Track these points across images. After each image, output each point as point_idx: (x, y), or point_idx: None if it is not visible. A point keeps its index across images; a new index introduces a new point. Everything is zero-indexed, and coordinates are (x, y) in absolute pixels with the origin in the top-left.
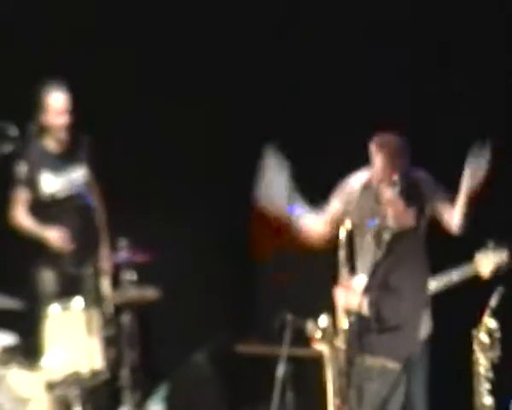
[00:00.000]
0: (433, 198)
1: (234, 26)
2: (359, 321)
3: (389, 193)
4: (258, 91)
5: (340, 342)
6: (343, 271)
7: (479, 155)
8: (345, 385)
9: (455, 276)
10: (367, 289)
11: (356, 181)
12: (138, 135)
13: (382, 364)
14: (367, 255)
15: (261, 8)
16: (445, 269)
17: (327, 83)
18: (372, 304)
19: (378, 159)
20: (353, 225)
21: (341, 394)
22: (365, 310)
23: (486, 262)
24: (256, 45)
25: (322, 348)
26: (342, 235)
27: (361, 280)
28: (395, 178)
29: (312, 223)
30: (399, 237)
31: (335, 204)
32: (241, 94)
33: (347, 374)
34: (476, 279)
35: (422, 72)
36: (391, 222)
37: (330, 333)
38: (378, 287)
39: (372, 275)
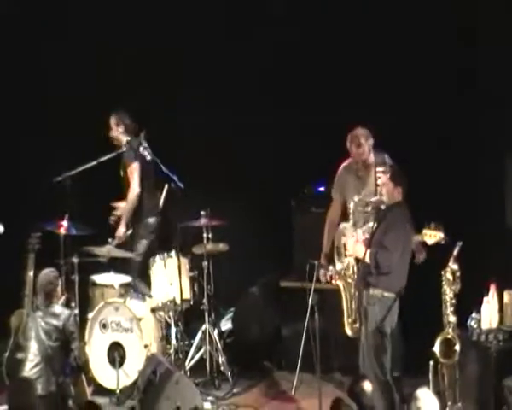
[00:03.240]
0: None
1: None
2: (364, 266)
3: (383, 177)
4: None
5: (351, 279)
6: (350, 231)
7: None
8: (355, 308)
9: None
10: (369, 245)
11: (341, 168)
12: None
13: (381, 293)
14: (358, 219)
15: None
16: None
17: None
18: (372, 256)
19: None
20: (347, 198)
21: (353, 314)
22: (367, 259)
23: (429, 236)
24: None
25: (338, 283)
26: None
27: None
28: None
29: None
30: (390, 208)
31: (335, 195)
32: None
33: (357, 300)
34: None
35: None
36: (385, 198)
37: (344, 273)
38: (376, 244)
39: (372, 235)
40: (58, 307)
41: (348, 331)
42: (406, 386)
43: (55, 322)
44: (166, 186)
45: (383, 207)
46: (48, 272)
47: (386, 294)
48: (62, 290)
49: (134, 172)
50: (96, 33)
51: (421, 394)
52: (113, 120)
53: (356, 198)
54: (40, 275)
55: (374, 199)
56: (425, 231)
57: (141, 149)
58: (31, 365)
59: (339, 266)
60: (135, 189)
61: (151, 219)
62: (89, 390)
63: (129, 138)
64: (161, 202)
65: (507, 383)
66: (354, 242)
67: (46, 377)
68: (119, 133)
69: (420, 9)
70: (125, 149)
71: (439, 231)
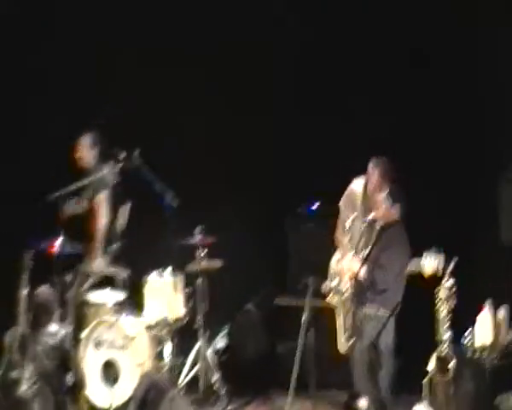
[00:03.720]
0: None
1: None
2: (359, 283)
3: (380, 196)
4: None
5: (346, 296)
6: (348, 249)
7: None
8: (350, 325)
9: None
10: (364, 263)
11: (355, 186)
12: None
13: (376, 310)
14: (356, 237)
15: None
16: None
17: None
18: (368, 274)
19: (373, 175)
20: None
21: (347, 330)
22: (362, 276)
23: (429, 264)
24: None
25: (333, 300)
26: (347, 225)
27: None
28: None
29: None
30: (387, 226)
31: (343, 210)
32: None
33: (352, 317)
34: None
35: None
36: (381, 216)
37: (339, 290)
38: (372, 261)
39: (368, 254)
40: (54, 326)
41: (343, 348)
42: (400, 404)
43: (51, 341)
44: (128, 205)
45: (380, 224)
46: (44, 290)
47: (381, 311)
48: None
49: (103, 202)
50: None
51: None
52: (86, 141)
53: (353, 216)
54: (36, 293)
55: (370, 216)
56: (423, 262)
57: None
58: (28, 384)
59: (334, 282)
60: (102, 219)
61: (114, 246)
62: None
63: (101, 164)
64: (121, 224)
65: (501, 400)
66: (350, 258)
67: (43, 397)
68: (90, 156)
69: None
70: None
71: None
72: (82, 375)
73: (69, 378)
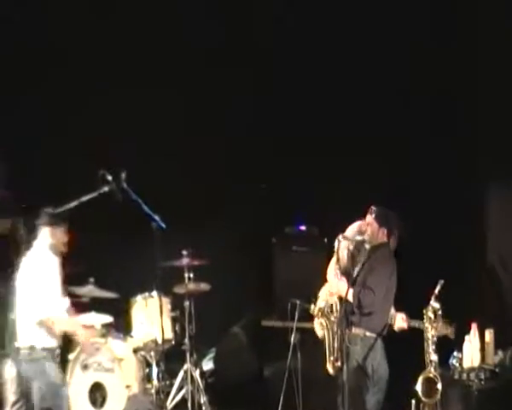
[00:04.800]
0: None
1: None
2: (346, 304)
3: (368, 217)
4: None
5: (333, 317)
6: (336, 270)
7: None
8: (337, 347)
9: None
10: (352, 284)
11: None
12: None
13: (363, 333)
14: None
15: None
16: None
17: None
18: (355, 296)
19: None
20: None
21: (334, 352)
22: (350, 297)
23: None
24: None
25: (321, 320)
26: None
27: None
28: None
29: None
30: (375, 249)
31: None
32: None
33: (339, 339)
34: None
35: None
36: (368, 238)
37: (326, 312)
38: (359, 284)
39: (356, 276)
40: None
41: (330, 370)
42: None
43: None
44: None
45: (367, 246)
46: None
47: (368, 333)
48: None
49: None
50: None
51: None
52: None
53: (340, 237)
54: None
55: (358, 238)
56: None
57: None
58: (14, 408)
59: (321, 303)
60: None
61: None
62: None
63: None
64: None
65: None
66: (338, 279)
67: None
68: None
69: None
70: None
71: (449, 326)
72: None
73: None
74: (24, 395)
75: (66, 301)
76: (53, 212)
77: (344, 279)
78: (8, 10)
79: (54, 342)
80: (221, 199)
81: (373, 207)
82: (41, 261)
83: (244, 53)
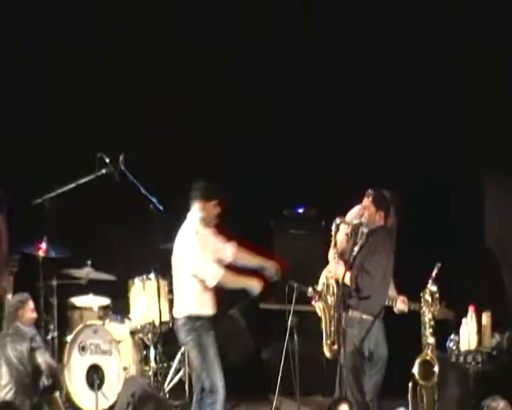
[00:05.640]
0: None
1: None
2: (344, 287)
3: (365, 200)
4: None
5: (330, 300)
6: (334, 254)
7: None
8: (334, 330)
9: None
10: (350, 268)
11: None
12: None
13: (360, 316)
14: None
15: None
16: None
17: None
18: (353, 279)
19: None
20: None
21: (331, 335)
22: (347, 280)
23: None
24: None
25: (318, 304)
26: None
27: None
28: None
29: None
30: (373, 232)
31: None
32: None
33: (336, 323)
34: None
35: None
36: (365, 221)
37: (324, 295)
38: (357, 267)
39: (354, 259)
40: (23, 328)
41: (327, 353)
42: (385, 408)
43: (24, 344)
44: None
45: (365, 230)
46: (14, 297)
47: (365, 316)
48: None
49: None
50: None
51: None
52: None
53: (337, 220)
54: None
55: (356, 221)
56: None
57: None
58: (4, 390)
59: (319, 287)
60: None
61: None
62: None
63: None
64: None
65: (487, 404)
66: (335, 263)
67: (19, 401)
68: None
69: None
70: None
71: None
72: (60, 375)
73: (44, 378)
74: (14, 377)
75: (220, 270)
76: (205, 186)
77: (341, 263)
78: None
79: (208, 311)
80: (219, 181)
81: (369, 190)
82: (192, 235)
83: None
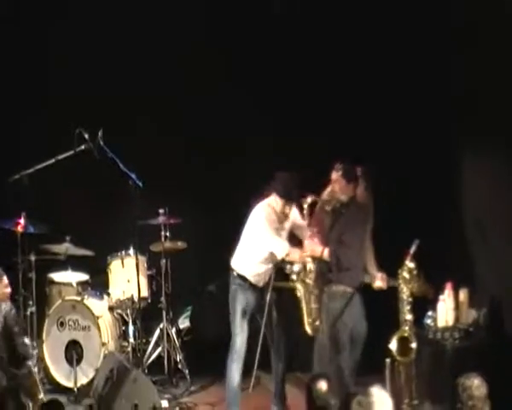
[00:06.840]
0: None
1: None
2: (322, 264)
3: (334, 174)
4: None
5: (309, 279)
6: (309, 231)
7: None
8: (315, 307)
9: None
10: (328, 242)
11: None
12: None
13: (343, 289)
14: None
15: None
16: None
17: None
18: (332, 253)
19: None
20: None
21: (312, 313)
22: (326, 256)
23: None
24: None
25: (297, 285)
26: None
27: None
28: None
29: None
30: (346, 205)
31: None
32: None
33: (317, 300)
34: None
35: None
36: (338, 195)
37: (302, 273)
38: (334, 241)
39: (330, 232)
40: None
41: (309, 330)
42: (362, 384)
43: None
44: None
45: (337, 205)
46: None
47: (348, 289)
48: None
49: None
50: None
51: (375, 391)
52: None
53: (309, 199)
54: None
55: (325, 196)
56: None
57: None
58: None
59: (296, 267)
60: None
61: None
62: (42, 387)
63: None
64: None
65: (461, 381)
66: (310, 241)
67: None
68: None
69: None
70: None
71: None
72: (39, 353)
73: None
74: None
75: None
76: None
77: (316, 240)
78: None
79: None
80: (200, 157)
81: (338, 164)
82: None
83: None
